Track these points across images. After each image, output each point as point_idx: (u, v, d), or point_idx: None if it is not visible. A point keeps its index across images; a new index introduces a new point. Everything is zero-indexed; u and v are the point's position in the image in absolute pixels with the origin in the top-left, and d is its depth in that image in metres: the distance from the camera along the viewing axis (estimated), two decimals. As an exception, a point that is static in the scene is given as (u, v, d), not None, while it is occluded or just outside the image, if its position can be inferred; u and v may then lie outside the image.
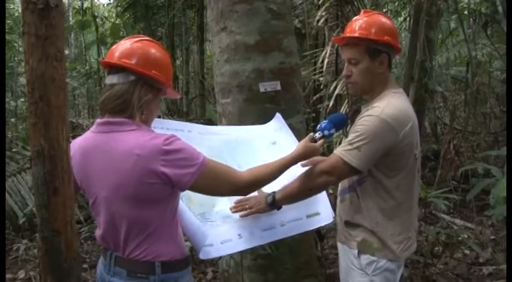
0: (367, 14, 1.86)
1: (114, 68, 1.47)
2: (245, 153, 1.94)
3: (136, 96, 1.43)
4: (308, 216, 1.91)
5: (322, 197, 1.94)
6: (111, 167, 1.41)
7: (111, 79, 1.46)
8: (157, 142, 1.38)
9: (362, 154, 1.68)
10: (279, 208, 1.83)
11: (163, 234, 1.48)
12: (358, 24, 1.80)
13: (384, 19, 1.84)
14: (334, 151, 1.77)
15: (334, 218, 1.96)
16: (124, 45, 1.49)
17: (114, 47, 1.50)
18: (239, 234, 1.78)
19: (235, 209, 1.83)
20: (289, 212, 1.87)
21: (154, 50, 1.50)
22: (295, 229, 1.89)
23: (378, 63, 1.78)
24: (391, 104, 1.74)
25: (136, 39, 1.51)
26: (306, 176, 1.78)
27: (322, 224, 1.92)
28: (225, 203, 1.87)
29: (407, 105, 1.81)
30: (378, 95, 1.80)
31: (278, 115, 2.22)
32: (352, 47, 1.79)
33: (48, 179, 1.10)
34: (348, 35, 1.81)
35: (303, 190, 1.79)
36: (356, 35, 1.78)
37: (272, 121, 2.20)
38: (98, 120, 1.49)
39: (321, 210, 1.92)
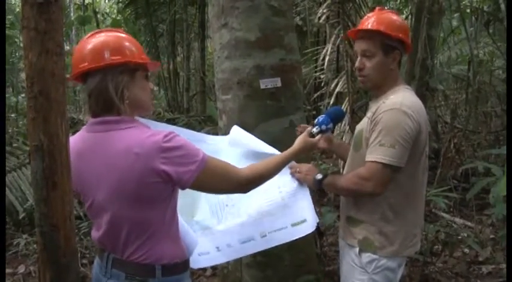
0: (381, 11, 1.89)
1: (81, 78, 1.45)
2: (235, 159, 1.86)
3: (112, 89, 1.39)
4: (293, 225, 1.81)
5: (308, 203, 1.85)
6: (109, 167, 1.37)
7: (86, 88, 1.44)
8: (156, 139, 1.34)
9: (397, 150, 1.67)
10: (320, 189, 1.84)
11: (163, 236, 1.44)
12: (372, 19, 1.82)
13: (396, 17, 1.88)
14: (367, 158, 1.71)
15: (319, 222, 1.91)
16: (75, 54, 1.45)
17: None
18: (217, 247, 1.74)
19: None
20: (271, 221, 1.80)
21: (96, 40, 1.43)
22: (278, 239, 1.80)
23: (391, 59, 1.80)
24: (408, 98, 1.76)
25: (80, 44, 1.46)
26: (354, 180, 1.75)
27: (307, 233, 1.80)
28: (204, 213, 1.82)
29: (420, 101, 1.82)
30: (389, 90, 1.82)
31: (235, 127, 2.10)
32: (367, 40, 1.81)
33: (47, 173, 1.10)
34: (363, 27, 1.83)
35: (346, 192, 1.86)
36: (372, 28, 1.79)
37: (234, 136, 2.06)
38: (92, 120, 1.44)
39: (307, 216, 1.82)
